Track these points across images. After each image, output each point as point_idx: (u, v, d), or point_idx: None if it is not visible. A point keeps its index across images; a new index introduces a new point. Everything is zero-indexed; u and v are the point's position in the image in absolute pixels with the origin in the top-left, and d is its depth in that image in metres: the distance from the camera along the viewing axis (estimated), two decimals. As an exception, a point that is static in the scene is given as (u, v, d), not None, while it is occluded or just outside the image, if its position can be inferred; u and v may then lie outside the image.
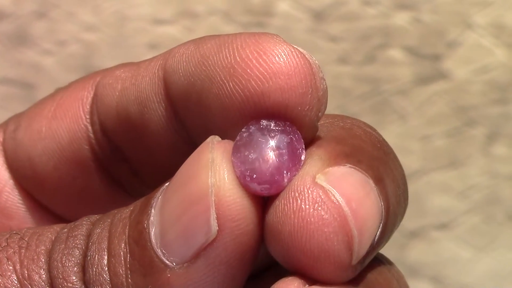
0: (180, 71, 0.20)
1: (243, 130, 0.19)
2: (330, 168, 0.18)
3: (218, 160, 0.18)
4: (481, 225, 0.43)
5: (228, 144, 0.19)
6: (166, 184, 0.19)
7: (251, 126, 0.19)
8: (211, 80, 0.19)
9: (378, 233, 0.19)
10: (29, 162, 0.24)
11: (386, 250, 0.21)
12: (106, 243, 0.19)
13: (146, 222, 0.19)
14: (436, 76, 0.41)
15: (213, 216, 0.18)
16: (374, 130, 0.21)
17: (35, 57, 0.42)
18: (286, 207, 0.18)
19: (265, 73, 0.18)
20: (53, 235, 0.20)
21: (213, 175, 0.18)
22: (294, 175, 0.18)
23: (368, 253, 0.18)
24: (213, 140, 0.19)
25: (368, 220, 0.18)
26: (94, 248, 0.19)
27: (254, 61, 0.19)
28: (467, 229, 0.43)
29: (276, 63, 0.18)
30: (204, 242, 0.18)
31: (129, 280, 0.18)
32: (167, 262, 0.18)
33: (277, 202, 0.18)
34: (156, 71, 0.21)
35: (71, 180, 0.24)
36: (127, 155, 0.23)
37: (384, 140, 0.21)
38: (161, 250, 0.18)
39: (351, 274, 0.18)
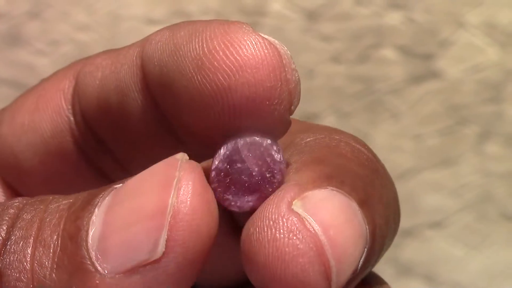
0: (155, 60, 0.19)
1: (222, 148, 0.18)
2: (309, 192, 0.18)
3: (184, 181, 0.17)
4: (474, 223, 0.43)
5: (196, 167, 0.18)
6: (118, 185, 0.18)
7: (228, 145, 0.18)
8: (181, 72, 0.18)
9: (362, 258, 0.18)
10: (13, 158, 0.23)
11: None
12: (35, 231, 0.18)
13: (86, 220, 0.18)
14: (428, 75, 0.41)
15: (163, 237, 0.17)
16: (364, 145, 0.20)
17: (28, 57, 0.42)
18: (260, 235, 0.17)
19: (232, 66, 0.18)
20: None
21: (175, 195, 0.17)
22: (276, 188, 0.18)
23: (351, 280, 0.18)
24: (183, 158, 0.18)
25: (348, 247, 0.17)
26: (19, 234, 0.18)
27: (221, 53, 0.18)
28: (460, 227, 0.43)
29: (243, 56, 0.18)
30: (145, 260, 0.17)
31: (53, 275, 0.17)
32: (99, 267, 0.17)
33: (251, 229, 0.17)
34: (134, 59, 0.21)
35: (57, 174, 0.23)
36: (110, 145, 0.22)
37: (373, 156, 0.20)
38: (96, 254, 0.17)
39: None
